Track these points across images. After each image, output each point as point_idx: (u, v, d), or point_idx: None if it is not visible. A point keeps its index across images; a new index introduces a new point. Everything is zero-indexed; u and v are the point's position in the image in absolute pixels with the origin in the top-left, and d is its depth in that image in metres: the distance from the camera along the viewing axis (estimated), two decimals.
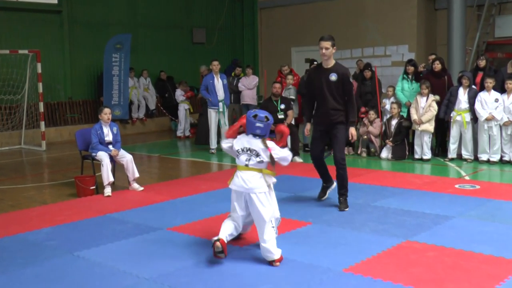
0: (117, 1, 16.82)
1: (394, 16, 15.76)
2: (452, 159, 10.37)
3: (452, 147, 10.43)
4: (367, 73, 11.76)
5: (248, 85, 13.71)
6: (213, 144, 12.13)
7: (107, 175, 8.17)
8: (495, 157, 9.97)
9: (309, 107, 7.28)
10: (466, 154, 10.29)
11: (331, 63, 6.85)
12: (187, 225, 6.51)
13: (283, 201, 7.13)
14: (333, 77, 6.77)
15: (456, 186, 8.24)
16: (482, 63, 10.90)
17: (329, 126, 7.01)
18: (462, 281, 4.60)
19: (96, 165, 8.52)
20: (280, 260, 5.07)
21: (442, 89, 10.73)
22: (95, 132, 8.40)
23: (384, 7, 16.03)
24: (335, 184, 7.39)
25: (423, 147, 10.55)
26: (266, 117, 5.16)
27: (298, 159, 10.80)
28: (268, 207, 5.08)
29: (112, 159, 8.41)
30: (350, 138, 7.03)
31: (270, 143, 5.17)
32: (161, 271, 5.01)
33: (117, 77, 15.41)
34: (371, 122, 11.14)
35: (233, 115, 14.60)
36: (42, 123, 13.78)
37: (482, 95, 9.95)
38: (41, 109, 13.77)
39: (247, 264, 5.14)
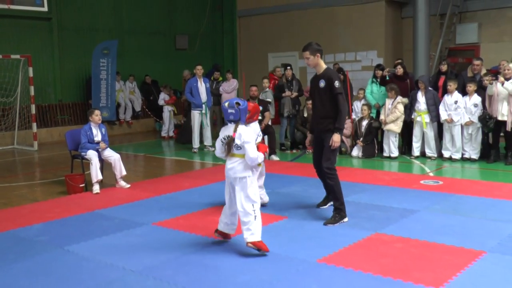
0: (104, 9, 16.70)
1: (364, 24, 15.84)
2: (417, 157, 10.45)
3: (415, 145, 10.51)
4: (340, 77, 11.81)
5: (227, 89, 13.72)
6: (195, 144, 12.10)
7: (95, 174, 8.11)
8: (457, 155, 10.06)
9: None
10: (429, 152, 10.37)
11: (321, 69, 6.37)
12: (171, 220, 6.48)
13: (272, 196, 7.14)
14: (322, 83, 6.27)
15: (421, 182, 8.30)
16: (444, 67, 11.00)
17: (321, 134, 6.42)
18: (426, 270, 4.64)
19: (85, 164, 8.46)
20: (257, 244, 5.07)
21: (406, 91, 10.82)
22: (85, 132, 8.36)
23: (354, 15, 16.11)
24: (346, 218, 6.37)
25: (390, 146, 10.62)
26: (237, 102, 5.10)
27: (275, 158, 10.81)
28: (249, 192, 5.07)
29: (101, 158, 8.35)
30: (330, 144, 6.16)
31: (241, 129, 5.09)
32: (146, 264, 4.98)
33: (104, 81, 15.34)
34: None
35: (213, 116, 14.60)
36: (34, 124, 13.65)
37: (445, 98, 10.04)
38: (33, 111, 13.64)
39: (227, 257, 5.14)
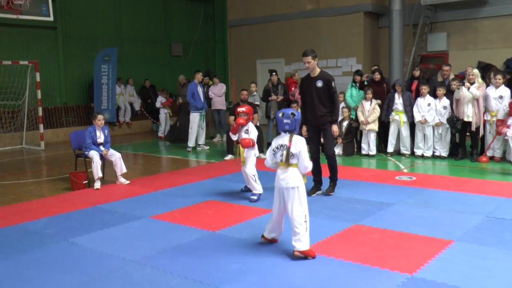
0: (105, 18, 16.62)
1: (344, 33, 15.88)
2: (392, 154, 10.49)
3: (391, 143, 10.56)
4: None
5: (218, 93, 13.71)
6: (191, 143, 12.12)
7: (97, 171, 8.09)
8: (428, 153, 10.12)
9: (303, 111, 7.13)
10: (404, 149, 10.42)
11: (317, 72, 6.90)
12: (167, 213, 6.47)
13: (249, 192, 7.14)
14: (319, 83, 6.83)
15: (396, 177, 8.34)
16: (417, 73, 11.05)
17: (320, 127, 7.08)
18: (401, 258, 4.67)
19: (88, 162, 8.43)
20: (305, 253, 4.67)
21: (382, 94, 10.87)
22: (89, 134, 8.34)
23: (335, 26, 16.14)
24: (321, 191, 7.34)
25: (369, 145, 10.65)
26: (292, 113, 4.77)
27: (263, 155, 10.78)
28: (301, 201, 4.70)
29: (102, 157, 8.32)
30: (332, 134, 7.07)
31: (296, 138, 4.75)
32: (144, 254, 4.97)
33: (105, 85, 15.28)
34: None
35: (206, 118, 14.57)
36: (41, 126, 13.59)
37: (418, 100, 10.09)
38: (40, 113, 13.58)
39: (219, 247, 5.13)
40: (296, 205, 4.70)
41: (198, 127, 12.19)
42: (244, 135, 6.87)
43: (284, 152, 4.72)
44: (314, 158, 7.14)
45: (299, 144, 4.72)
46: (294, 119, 4.76)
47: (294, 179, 4.71)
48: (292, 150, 4.70)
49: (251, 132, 6.87)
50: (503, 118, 9.26)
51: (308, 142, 7.09)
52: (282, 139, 4.81)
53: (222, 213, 6.38)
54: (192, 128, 12.13)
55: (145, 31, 17.77)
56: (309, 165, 4.74)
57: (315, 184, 7.36)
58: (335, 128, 7.08)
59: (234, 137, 7.04)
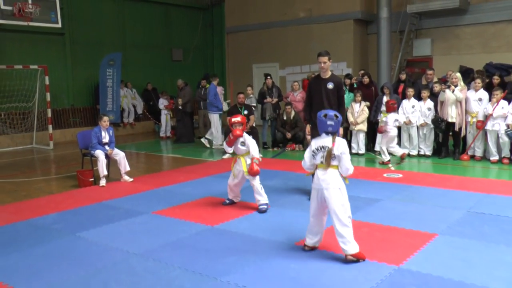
0: (110, 25, 16.58)
1: (335, 39, 15.87)
2: (379, 153, 10.47)
3: (378, 141, 10.46)
4: (347, 80, 11.82)
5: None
6: (219, 141, 12.24)
7: (102, 169, 8.09)
8: (414, 152, 10.13)
9: (308, 111, 6.91)
10: (391, 148, 10.38)
11: (328, 74, 6.59)
12: (168, 209, 6.47)
13: (246, 190, 7.12)
14: (330, 85, 6.52)
15: (384, 175, 8.35)
16: (403, 76, 11.07)
17: None
18: (389, 250, 4.68)
19: (94, 161, 8.43)
20: (356, 256, 4.42)
21: (371, 97, 10.88)
22: (95, 134, 8.34)
23: (327, 32, 16.13)
24: None
25: (359, 144, 10.66)
26: (335, 115, 4.50)
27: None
28: (343, 203, 4.44)
29: (107, 156, 8.32)
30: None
31: (338, 140, 4.50)
32: (147, 247, 4.97)
33: (110, 88, 15.26)
34: None
35: (204, 119, 14.59)
36: (50, 126, 13.60)
37: (404, 103, 10.11)
38: (49, 114, 13.60)
39: (217, 241, 5.13)
40: (339, 206, 4.41)
41: (220, 126, 12.30)
42: (240, 147, 6.29)
43: (325, 154, 4.45)
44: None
45: (341, 146, 4.46)
46: (338, 121, 4.49)
47: (335, 180, 4.44)
48: (335, 151, 4.43)
49: (249, 144, 6.22)
50: (482, 119, 9.29)
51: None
52: (323, 140, 4.51)
53: (220, 209, 6.38)
54: (217, 128, 12.21)
55: (147, 37, 17.75)
56: (351, 167, 4.47)
57: None
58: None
59: (230, 150, 6.40)
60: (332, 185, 4.43)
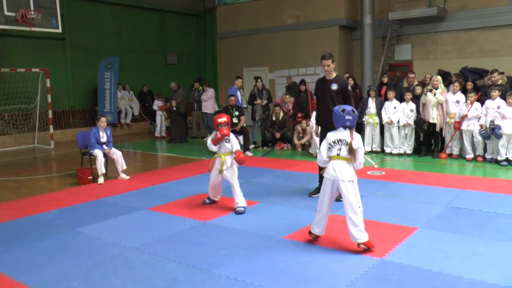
0: (108, 31, 16.47)
1: (321, 44, 15.87)
2: (368, 152, 10.52)
3: (367, 142, 10.54)
4: (302, 87, 11.83)
5: (204, 98, 13.74)
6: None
7: (100, 168, 8.05)
8: (396, 150, 10.17)
9: (317, 113, 6.76)
10: (375, 147, 10.48)
11: (333, 75, 6.40)
12: (163, 205, 6.45)
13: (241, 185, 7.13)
14: (334, 86, 6.33)
15: (368, 172, 8.37)
16: (385, 79, 11.08)
17: (331, 129, 6.51)
18: (372, 243, 4.67)
19: (92, 160, 8.38)
20: (367, 244, 4.47)
21: (355, 99, 10.85)
22: (94, 134, 8.31)
23: (314, 38, 16.15)
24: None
25: None
26: (352, 110, 4.52)
27: (249, 153, 10.81)
28: (357, 194, 4.49)
29: (105, 155, 8.28)
30: None
31: (356, 134, 4.52)
32: (143, 241, 4.96)
33: (108, 90, 15.15)
34: (304, 130, 11.18)
35: (197, 120, 14.58)
36: (51, 127, 13.52)
37: (386, 104, 10.15)
38: (50, 115, 13.52)
39: (210, 236, 5.13)
40: (354, 197, 4.47)
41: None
42: (226, 145, 6.08)
43: (343, 147, 4.46)
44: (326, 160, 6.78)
45: (359, 140, 4.49)
46: (355, 115, 4.50)
47: (351, 173, 4.48)
48: (353, 145, 4.44)
49: (233, 143, 6.09)
50: (459, 120, 9.36)
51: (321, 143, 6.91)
52: (340, 134, 4.51)
53: (213, 205, 6.37)
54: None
55: (143, 42, 17.67)
56: (363, 161, 4.54)
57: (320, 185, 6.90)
58: (316, 128, 6.76)
59: (215, 148, 6.11)
60: (348, 177, 4.47)
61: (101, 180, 8.06)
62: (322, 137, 6.51)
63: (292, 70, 16.58)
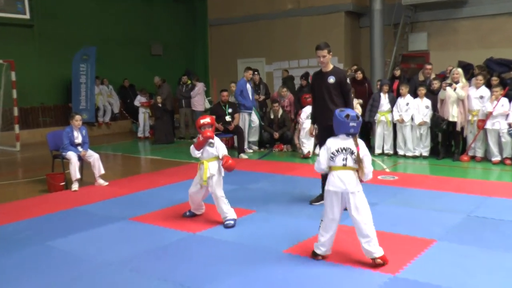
0: (83, 16, 16.41)
1: (325, 33, 15.89)
2: (379, 155, 10.51)
3: (378, 144, 10.57)
4: (304, 82, 11.83)
5: (193, 94, 13.74)
6: (245, 144, 11.66)
7: (75, 172, 8.01)
8: (409, 152, 10.17)
9: (313, 110, 6.85)
10: (387, 149, 10.49)
11: (330, 67, 6.45)
12: (147, 215, 6.41)
13: (231, 192, 7.09)
14: (331, 79, 6.35)
15: (379, 177, 8.35)
16: (398, 72, 11.12)
17: (329, 127, 6.33)
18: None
19: (66, 164, 8.32)
20: (383, 258, 4.49)
21: (364, 94, 10.92)
22: (67, 134, 8.26)
23: (317, 25, 16.18)
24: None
25: None
26: (357, 115, 4.57)
27: (244, 156, 10.79)
28: (367, 206, 4.57)
29: (80, 158, 8.24)
30: None
31: (360, 141, 4.58)
32: (123, 256, 4.92)
33: (84, 85, 15.14)
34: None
35: (185, 118, 14.55)
36: (17, 126, 13.40)
37: (398, 100, 10.16)
38: (16, 113, 13.38)
39: (200, 249, 5.10)
40: (366, 209, 4.54)
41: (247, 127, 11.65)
42: (209, 149, 5.94)
43: (350, 156, 4.50)
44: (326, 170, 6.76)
45: (365, 148, 4.56)
46: (359, 122, 4.56)
47: (358, 183, 4.53)
48: (360, 154, 4.50)
49: (218, 147, 5.95)
50: (483, 118, 9.36)
51: (320, 144, 6.82)
52: (344, 142, 4.56)
53: (203, 214, 6.33)
54: (244, 129, 11.53)
55: (124, 30, 17.63)
56: (372, 168, 4.60)
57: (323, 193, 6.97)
58: (310, 126, 6.84)
59: (198, 154, 5.99)
60: (357, 188, 4.51)
61: (75, 186, 8.02)
62: (320, 137, 6.55)
63: (292, 62, 16.60)
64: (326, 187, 4.63)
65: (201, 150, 5.98)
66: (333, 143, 4.60)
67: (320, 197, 6.74)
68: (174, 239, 5.40)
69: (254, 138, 11.90)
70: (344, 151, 4.52)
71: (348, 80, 6.49)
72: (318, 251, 4.72)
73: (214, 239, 5.38)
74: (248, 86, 11.57)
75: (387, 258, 4.52)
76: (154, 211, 6.57)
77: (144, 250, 5.09)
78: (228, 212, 5.88)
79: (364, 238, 4.51)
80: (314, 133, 6.98)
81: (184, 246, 5.17)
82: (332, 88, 6.40)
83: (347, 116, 4.51)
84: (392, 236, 5.29)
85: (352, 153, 4.51)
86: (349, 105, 6.42)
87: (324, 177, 6.37)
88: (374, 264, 4.49)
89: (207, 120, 5.96)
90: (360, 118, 4.59)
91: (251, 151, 11.58)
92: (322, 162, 4.63)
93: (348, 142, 4.54)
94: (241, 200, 6.94)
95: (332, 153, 4.56)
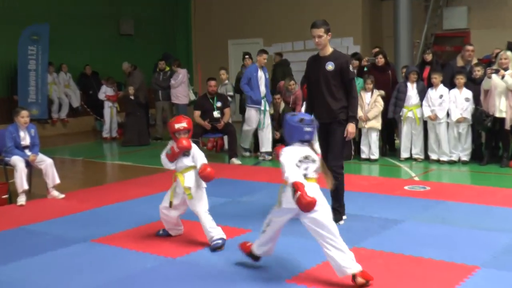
0: None
1: (338, 7, 15.95)
2: (405, 159, 10.54)
3: (405, 146, 10.59)
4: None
5: (173, 83, 13.75)
6: (246, 145, 11.72)
7: (21, 182, 7.98)
8: (444, 157, 10.18)
9: (308, 102, 6.88)
10: (415, 153, 10.48)
11: (328, 51, 6.48)
12: (114, 235, 6.39)
13: (220, 207, 7.09)
14: (330, 66, 6.38)
15: (406, 187, 8.37)
16: (429, 57, 11.10)
17: (326, 125, 6.54)
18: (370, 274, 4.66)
19: (10, 171, 8.32)
20: (364, 275, 4.65)
21: (387, 84, 10.92)
22: (10, 135, 8.23)
23: None
24: (344, 219, 6.67)
25: (371, 146, 10.67)
26: (312, 120, 4.90)
27: (236, 161, 10.78)
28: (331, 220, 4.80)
29: (29, 164, 8.21)
30: (345, 136, 6.47)
31: (317, 147, 4.90)
32: (84, 287, 4.89)
33: (34, 72, 15.11)
34: None
35: (163, 114, 14.53)
36: None
37: (429, 92, 10.15)
38: None
39: (181, 279, 5.08)
40: (330, 220, 4.75)
41: (256, 126, 11.37)
42: (184, 160, 5.95)
43: (313, 165, 4.77)
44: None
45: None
46: (315, 126, 4.85)
47: (321, 195, 4.75)
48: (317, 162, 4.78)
49: (197, 158, 5.91)
50: None
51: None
52: (303, 149, 4.79)
53: (185, 235, 6.32)
54: (249, 126, 11.39)
55: (85, 3, 17.63)
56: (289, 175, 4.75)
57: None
58: (350, 128, 6.50)
59: (171, 166, 6.04)
60: (325, 201, 4.76)
61: (22, 199, 7.99)
62: (319, 135, 6.52)
63: (297, 43, 16.64)
64: (283, 205, 4.82)
65: (175, 162, 6.01)
66: (295, 152, 4.78)
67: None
68: (148, 266, 5.37)
69: (267, 147, 11.40)
70: (307, 160, 4.75)
71: (351, 68, 6.49)
72: (255, 251, 5.14)
73: (198, 265, 5.36)
74: (261, 74, 11.31)
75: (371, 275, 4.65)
76: (123, 231, 6.55)
77: (110, 279, 5.05)
78: (213, 231, 5.86)
79: (339, 256, 4.65)
80: None
81: (161, 275, 5.15)
82: (330, 77, 6.43)
83: (301, 120, 4.77)
84: (422, 262, 5.28)
85: (313, 161, 4.76)
86: (352, 97, 6.46)
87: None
88: (356, 285, 4.63)
89: (183, 124, 5.90)
90: (316, 122, 4.89)
91: (248, 154, 11.63)
92: (293, 173, 4.65)
93: (307, 150, 4.79)
94: (233, 217, 6.93)
95: (298, 163, 4.72)
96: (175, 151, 5.87)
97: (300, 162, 4.73)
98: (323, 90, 6.46)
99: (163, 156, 6.04)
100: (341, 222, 6.47)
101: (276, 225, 5.03)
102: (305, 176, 4.69)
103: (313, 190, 4.67)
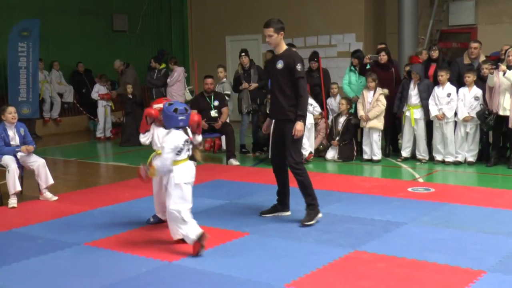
0: None
1: (339, 1, 15.93)
2: (406, 159, 10.56)
3: (405, 145, 10.61)
4: (313, 64, 11.76)
5: (170, 82, 13.77)
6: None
7: (13, 183, 7.96)
8: (450, 158, 10.18)
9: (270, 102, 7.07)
10: (419, 153, 10.50)
11: (281, 49, 6.70)
12: (108, 238, 6.41)
13: (217, 209, 7.12)
14: (279, 64, 6.60)
15: (409, 189, 8.37)
16: (435, 54, 11.02)
17: (279, 125, 6.80)
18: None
19: (1, 172, 8.31)
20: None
21: (390, 82, 10.90)
22: None
23: None
24: (289, 213, 7.10)
25: (373, 147, 10.66)
26: (185, 108, 5.80)
27: (234, 162, 10.79)
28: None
29: (20, 165, 8.22)
30: (292, 134, 6.55)
31: (189, 131, 5.95)
32: None
33: (24, 70, 15.07)
34: (315, 124, 11.21)
35: None
36: None
37: (436, 90, 10.13)
38: None
39: (177, 283, 5.11)
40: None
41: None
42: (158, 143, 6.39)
43: (191, 147, 5.91)
44: (273, 167, 7.11)
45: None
46: (188, 114, 5.81)
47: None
48: (195, 141, 6.05)
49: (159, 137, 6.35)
50: None
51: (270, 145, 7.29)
52: (180, 134, 5.80)
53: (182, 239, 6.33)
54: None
55: None
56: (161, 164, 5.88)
57: (274, 204, 7.24)
58: (298, 126, 6.58)
59: (146, 139, 6.60)
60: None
61: (13, 201, 8.00)
62: (272, 138, 6.98)
63: (297, 39, 16.58)
64: (178, 181, 5.71)
65: (147, 135, 6.62)
66: (178, 135, 5.78)
67: (274, 209, 7.13)
68: (143, 270, 5.39)
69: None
70: (186, 143, 5.81)
71: (298, 67, 6.58)
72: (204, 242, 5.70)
73: (195, 269, 5.37)
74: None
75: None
76: (117, 234, 6.57)
77: (103, 284, 5.07)
78: (184, 235, 5.91)
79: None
80: (267, 130, 7.23)
81: (157, 279, 5.16)
82: (279, 75, 6.63)
83: (175, 110, 5.73)
84: (426, 266, 5.30)
85: (190, 143, 5.87)
86: (300, 96, 6.57)
87: (283, 186, 6.97)
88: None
89: (158, 105, 6.26)
90: (189, 110, 5.86)
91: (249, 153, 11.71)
92: (170, 158, 5.73)
93: (184, 134, 5.82)
94: (230, 220, 6.96)
95: (181, 148, 5.76)
96: (144, 121, 6.53)
97: (183, 145, 5.78)
98: (275, 88, 6.69)
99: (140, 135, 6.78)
100: (320, 215, 6.75)
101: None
102: (188, 156, 5.86)
103: (190, 166, 5.89)
